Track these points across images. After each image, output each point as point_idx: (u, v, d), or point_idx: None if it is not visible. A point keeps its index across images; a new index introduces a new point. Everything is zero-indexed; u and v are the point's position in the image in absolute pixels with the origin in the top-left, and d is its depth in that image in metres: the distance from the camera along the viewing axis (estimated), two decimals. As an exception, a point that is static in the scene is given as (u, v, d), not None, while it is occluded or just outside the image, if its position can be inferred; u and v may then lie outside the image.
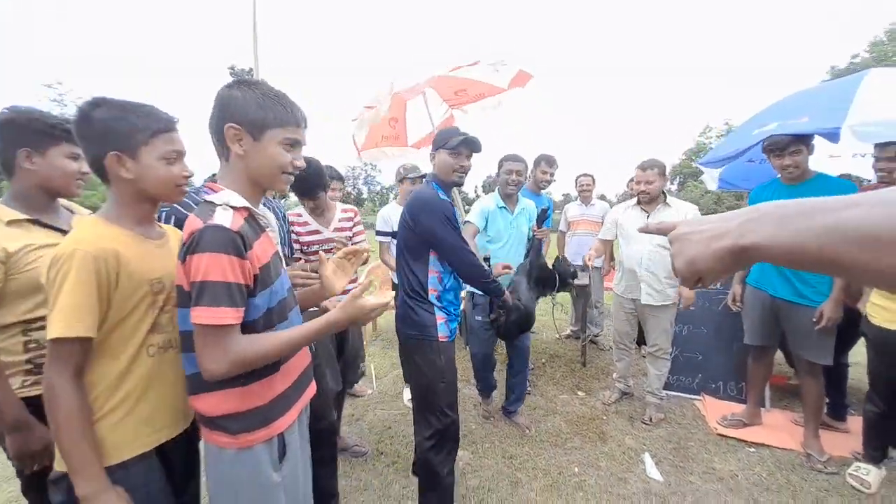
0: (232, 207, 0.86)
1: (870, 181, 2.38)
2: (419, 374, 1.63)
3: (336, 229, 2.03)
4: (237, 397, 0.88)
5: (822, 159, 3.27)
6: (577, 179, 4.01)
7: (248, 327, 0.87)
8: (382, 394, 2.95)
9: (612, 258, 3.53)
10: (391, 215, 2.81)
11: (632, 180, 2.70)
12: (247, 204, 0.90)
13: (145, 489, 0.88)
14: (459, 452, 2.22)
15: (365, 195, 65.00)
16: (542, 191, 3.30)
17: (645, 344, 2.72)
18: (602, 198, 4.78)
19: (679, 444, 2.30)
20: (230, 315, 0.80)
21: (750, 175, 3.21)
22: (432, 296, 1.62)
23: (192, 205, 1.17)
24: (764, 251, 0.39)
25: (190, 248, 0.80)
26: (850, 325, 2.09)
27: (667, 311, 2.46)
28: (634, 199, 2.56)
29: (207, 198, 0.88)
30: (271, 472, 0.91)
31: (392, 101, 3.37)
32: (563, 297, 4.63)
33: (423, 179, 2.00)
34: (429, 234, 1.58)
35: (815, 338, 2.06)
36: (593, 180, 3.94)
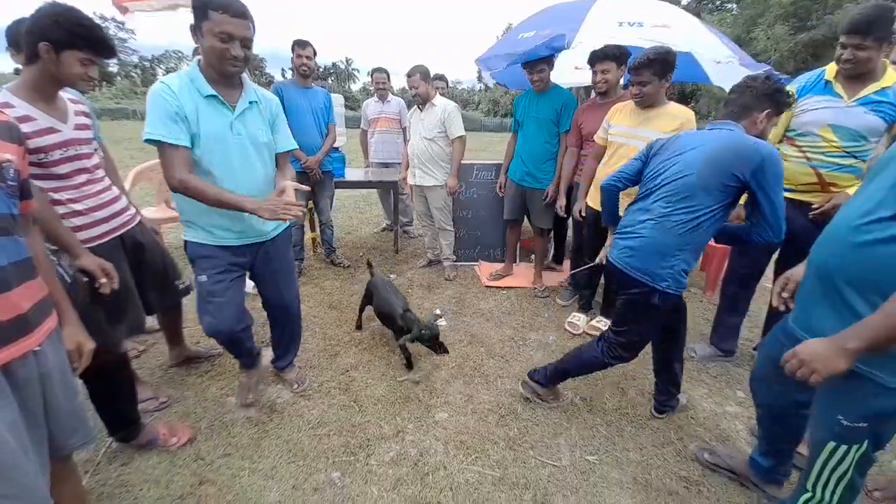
0: None
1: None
2: None
3: (77, 126, 1.48)
4: None
5: (569, 70, 4.11)
6: (371, 75, 3.79)
7: None
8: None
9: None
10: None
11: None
12: None
13: None
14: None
15: (114, 68, 43.73)
16: (308, 79, 2.94)
17: None
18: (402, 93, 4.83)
19: (460, 298, 3.05)
20: None
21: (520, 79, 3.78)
22: None
23: None
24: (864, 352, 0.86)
25: None
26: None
27: (435, 191, 3.12)
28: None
29: None
30: None
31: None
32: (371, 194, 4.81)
33: None
34: None
35: (542, 210, 2.91)
36: (388, 76, 3.81)
